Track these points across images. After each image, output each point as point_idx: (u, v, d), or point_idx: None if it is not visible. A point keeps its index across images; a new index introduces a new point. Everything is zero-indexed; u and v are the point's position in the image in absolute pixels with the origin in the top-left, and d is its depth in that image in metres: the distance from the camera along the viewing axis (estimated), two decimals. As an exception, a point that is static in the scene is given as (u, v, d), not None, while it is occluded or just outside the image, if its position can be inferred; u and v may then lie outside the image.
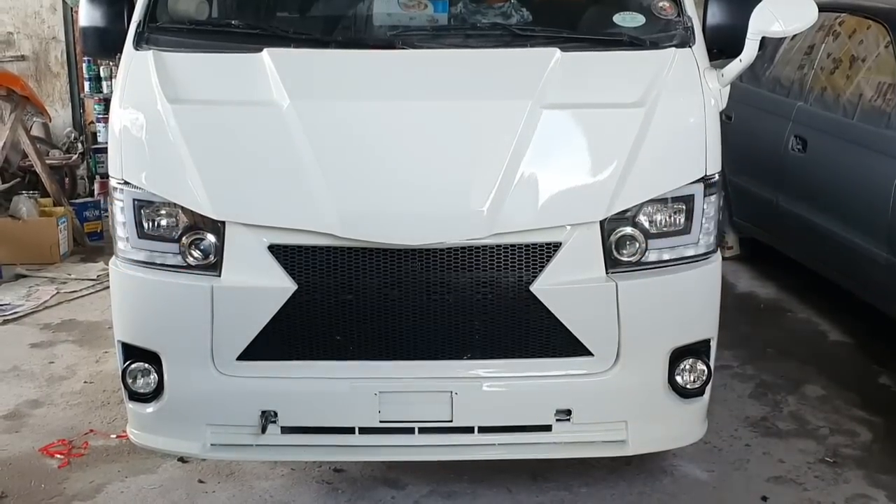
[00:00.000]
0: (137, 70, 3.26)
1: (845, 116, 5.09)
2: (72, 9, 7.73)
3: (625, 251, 3.16)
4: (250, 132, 3.13)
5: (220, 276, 3.10)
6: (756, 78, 6.08)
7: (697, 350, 3.29)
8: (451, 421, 3.18)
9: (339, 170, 3.05)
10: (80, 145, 7.88)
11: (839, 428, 4.22)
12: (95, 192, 7.48)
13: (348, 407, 3.18)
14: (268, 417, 3.17)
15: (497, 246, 3.08)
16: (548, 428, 3.23)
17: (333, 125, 3.11)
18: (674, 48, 3.33)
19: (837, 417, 4.31)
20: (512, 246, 3.08)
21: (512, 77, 3.24)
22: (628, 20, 3.43)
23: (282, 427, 3.20)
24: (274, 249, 3.08)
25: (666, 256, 3.21)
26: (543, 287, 3.09)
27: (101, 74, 7.50)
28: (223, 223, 3.09)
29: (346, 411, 3.18)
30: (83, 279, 6.04)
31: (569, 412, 3.21)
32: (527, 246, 3.09)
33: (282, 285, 3.07)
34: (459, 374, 3.19)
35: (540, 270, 3.09)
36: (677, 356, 3.26)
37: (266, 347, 3.14)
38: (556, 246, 3.10)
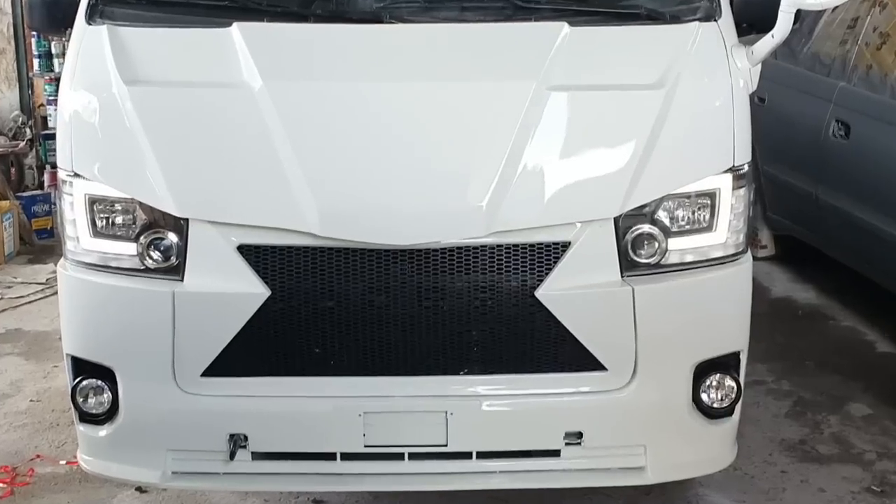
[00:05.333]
0: (90, 47, 3.25)
1: (893, 98, 5.09)
2: (19, -24, 7.72)
3: (642, 252, 3.16)
4: (218, 117, 3.12)
5: (182, 280, 3.10)
6: (792, 55, 6.08)
7: (726, 364, 3.28)
8: (445, 445, 3.18)
9: (318, 160, 3.05)
10: (28, 131, 7.85)
11: (888, 452, 4.21)
12: (45, 184, 7.46)
13: (329, 429, 3.17)
14: (237, 441, 3.16)
15: (497, 246, 3.08)
16: (556, 453, 3.23)
17: (312, 109, 3.10)
18: (697, 22, 3.32)
19: (886, 440, 4.31)
20: (514, 246, 3.08)
21: (514, 55, 3.24)
22: (646, -10, 3.42)
23: (253, 452, 3.20)
24: (244, 250, 3.07)
25: (689, 258, 3.21)
26: (550, 292, 3.09)
27: (53, 51, 7.48)
28: (186, 221, 3.08)
29: (327, 434, 3.18)
30: (30, 283, 6.04)
31: (580, 435, 3.21)
32: (531, 246, 3.09)
33: (253, 291, 3.07)
34: (455, 391, 3.18)
35: (546, 273, 3.09)
36: (703, 371, 3.25)
37: (235, 362, 3.13)
38: (565, 246, 3.10)
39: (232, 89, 3.12)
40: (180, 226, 3.09)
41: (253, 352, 3.13)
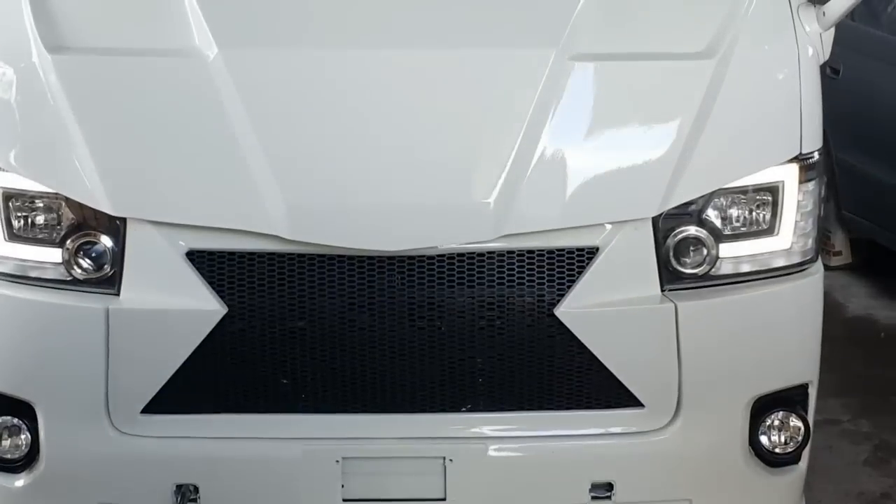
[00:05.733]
0: (3, 5, 3.26)
1: None
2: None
3: (688, 260, 3.17)
4: (163, 93, 3.12)
5: (118, 294, 3.11)
6: (874, 16, 6.10)
7: (790, 399, 3.30)
8: (443, 499, 3.19)
9: (286, 146, 3.05)
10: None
11: None
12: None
13: (299, 479, 3.17)
14: (185, 494, 3.16)
15: (508, 252, 3.09)
16: (581, 510, 3.24)
17: (279, 83, 3.11)
18: (756, -25, 3.34)
19: None
20: (529, 252, 3.10)
21: (530, 15, 3.24)
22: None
23: (205, 508, 3.22)
24: (194, 257, 3.08)
25: (745, 267, 3.22)
26: (573, 310, 3.10)
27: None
28: (123, 221, 3.09)
29: (296, 485, 3.18)
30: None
31: (610, 487, 3.22)
32: (549, 252, 3.10)
33: (205, 307, 3.07)
34: (455, 432, 3.19)
35: (568, 287, 3.10)
36: (762, 408, 3.26)
37: (183, 396, 3.14)
38: (591, 252, 3.11)
39: (180, 59, 3.13)
40: (116, 227, 3.09)
41: (205, 383, 3.14)
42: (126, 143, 3.10)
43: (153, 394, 3.12)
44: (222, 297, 3.07)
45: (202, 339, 3.07)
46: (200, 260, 3.08)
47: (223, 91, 3.06)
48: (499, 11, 3.26)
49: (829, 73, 6.11)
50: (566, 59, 3.13)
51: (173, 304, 3.07)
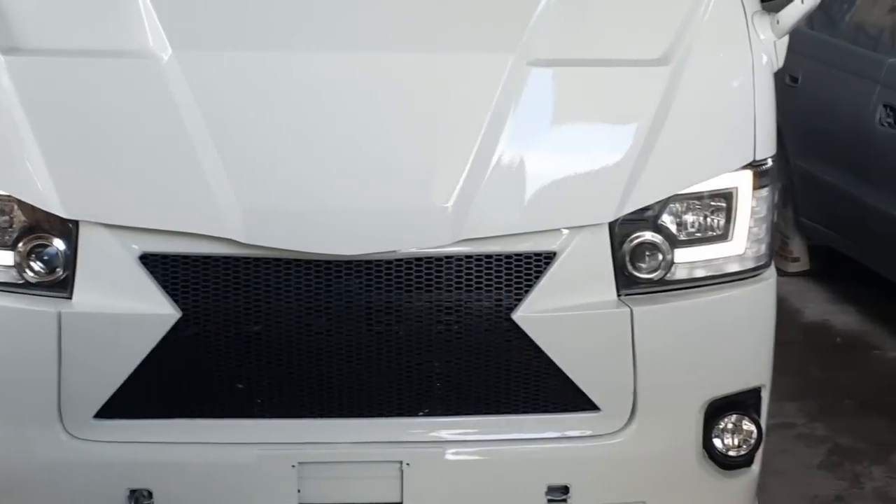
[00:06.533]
0: (-44, 7, 3.25)
1: (953, 78, 5.16)
2: None
3: (643, 265, 3.19)
4: (116, 95, 3.11)
5: (70, 297, 3.08)
6: (832, 24, 6.15)
7: (744, 402, 3.31)
8: (400, 503, 3.18)
9: (242, 148, 3.05)
10: None
11: (944, 511, 4.28)
12: None
13: (254, 484, 3.16)
14: (139, 500, 3.15)
15: (466, 257, 3.09)
16: (536, 513, 3.24)
17: (235, 85, 3.10)
18: (711, -16, 3.36)
19: (942, 497, 4.37)
20: (486, 257, 3.10)
21: (488, 20, 3.25)
22: (649, -56, 3.46)
23: (159, 513, 3.20)
24: (148, 261, 3.06)
25: (700, 272, 3.24)
26: (530, 314, 3.10)
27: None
28: (76, 223, 3.07)
29: (252, 491, 3.16)
30: None
31: (566, 490, 3.22)
32: (507, 257, 3.11)
33: (159, 311, 3.05)
34: (413, 437, 3.19)
35: (526, 291, 3.11)
36: (716, 411, 3.28)
37: (137, 400, 3.12)
38: (549, 257, 3.12)
39: (134, 60, 3.12)
40: (68, 230, 3.07)
41: (159, 388, 3.12)
42: (79, 146, 3.08)
43: (106, 398, 3.10)
44: (176, 301, 3.05)
45: (156, 343, 3.06)
46: (154, 263, 3.06)
47: (177, 93, 3.05)
48: (457, 16, 3.26)
49: (788, 82, 6.16)
50: (524, 64, 3.14)
51: (126, 308, 3.05)
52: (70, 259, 3.07)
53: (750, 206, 3.23)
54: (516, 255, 3.11)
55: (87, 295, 3.07)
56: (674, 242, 3.19)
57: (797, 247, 6.56)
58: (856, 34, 5.97)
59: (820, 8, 3.27)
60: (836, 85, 5.97)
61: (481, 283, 3.10)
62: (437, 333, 3.11)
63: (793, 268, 6.51)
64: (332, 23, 3.23)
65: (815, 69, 6.12)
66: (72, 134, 3.09)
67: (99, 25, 3.21)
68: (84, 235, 3.06)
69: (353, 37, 3.20)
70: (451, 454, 3.19)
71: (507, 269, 3.11)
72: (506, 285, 3.10)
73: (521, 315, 3.10)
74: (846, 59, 5.95)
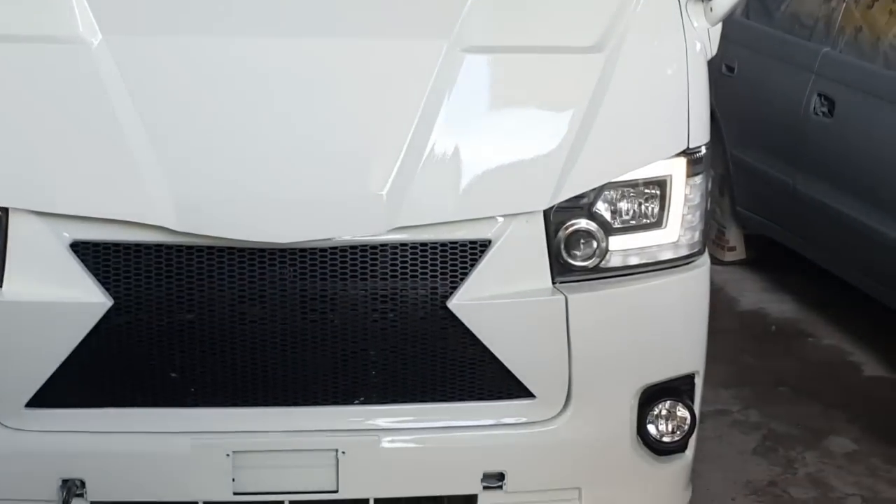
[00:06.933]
0: None
1: (887, 68, 5.22)
2: None
3: (578, 253, 3.20)
4: (45, 81, 3.08)
5: (0, 286, 3.05)
6: (767, 14, 6.21)
7: (677, 389, 3.34)
8: (336, 492, 3.19)
9: (174, 135, 3.03)
10: None
11: (875, 496, 4.33)
12: None
13: (189, 473, 3.15)
14: (71, 489, 3.13)
15: (401, 245, 3.10)
16: (472, 499, 3.26)
17: (166, 71, 3.09)
18: (645, -30, 3.38)
19: (873, 482, 4.43)
20: (421, 245, 3.11)
21: (422, 6, 3.26)
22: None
23: (92, 503, 3.17)
24: (79, 248, 3.04)
25: (634, 260, 3.26)
26: (465, 302, 3.11)
27: None
28: (5, 211, 3.05)
29: (186, 480, 3.16)
30: None
31: (501, 477, 3.24)
32: (442, 245, 3.11)
33: (90, 300, 3.04)
34: (348, 425, 3.20)
35: (461, 279, 3.12)
36: (650, 398, 3.31)
37: (68, 389, 3.10)
38: (483, 245, 3.13)
39: (63, 45, 3.09)
40: (-3, 217, 3.06)
41: (91, 377, 3.10)
42: (7, 132, 3.05)
43: (38, 387, 3.08)
44: (108, 290, 3.04)
45: (87, 331, 3.04)
46: (85, 251, 3.04)
47: (107, 79, 3.03)
48: (391, 2, 3.27)
49: (725, 71, 6.22)
50: (458, 51, 3.14)
51: (57, 297, 3.03)
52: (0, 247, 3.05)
53: (683, 194, 3.26)
54: (451, 242, 3.11)
55: (17, 283, 3.05)
56: (608, 230, 3.20)
57: (733, 236, 6.60)
58: (791, 23, 6.02)
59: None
60: (772, 74, 6.02)
61: (416, 271, 3.10)
62: (372, 322, 3.11)
63: (729, 257, 6.56)
64: (266, 8, 3.21)
65: (751, 59, 6.17)
66: (0, 120, 3.06)
67: (27, 10, 3.17)
68: (14, 223, 3.04)
69: (287, 23, 3.19)
70: (386, 442, 3.19)
71: (442, 256, 3.11)
72: (441, 273, 3.11)
73: (456, 303, 3.10)
74: (781, 48, 6.01)
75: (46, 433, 3.13)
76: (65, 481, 3.13)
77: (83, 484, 3.14)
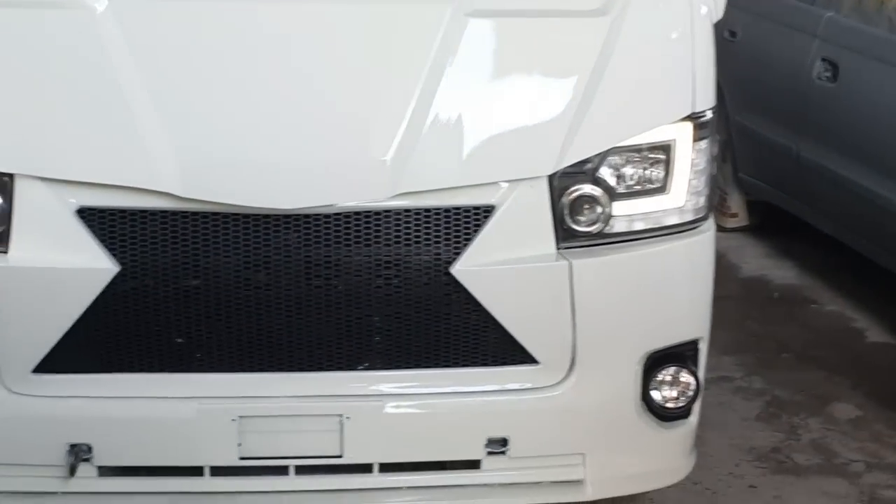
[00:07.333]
0: None
1: (892, 32, 5.21)
2: None
3: (582, 218, 3.21)
4: (50, 47, 3.09)
5: (7, 252, 3.07)
6: (771, -22, 6.17)
7: (681, 355, 3.36)
8: (340, 456, 3.21)
9: (178, 101, 3.05)
10: None
11: (879, 462, 4.35)
12: None
13: (195, 438, 3.18)
14: (78, 454, 3.15)
15: (405, 211, 3.11)
16: (475, 464, 3.28)
17: (170, 36, 3.10)
18: (649, -67, 3.38)
19: (876, 448, 4.45)
20: (425, 211, 3.12)
21: (426, -29, 3.26)
22: None
23: (99, 467, 3.19)
24: (85, 215, 3.06)
25: (638, 225, 3.27)
26: (469, 268, 3.13)
27: None
28: (11, 177, 3.06)
29: (192, 444, 3.18)
30: None
31: (505, 442, 3.26)
32: (446, 210, 3.12)
33: (97, 266, 3.05)
34: (352, 390, 3.21)
35: (464, 245, 3.13)
36: (654, 364, 3.33)
37: (75, 355, 3.12)
38: (487, 211, 3.14)
39: (67, 11, 3.10)
40: (3, 183, 3.06)
41: (98, 342, 3.12)
42: (14, 98, 3.07)
43: (45, 353, 3.10)
44: (114, 256, 3.05)
45: (94, 297, 3.05)
46: (91, 217, 3.05)
47: (113, 44, 3.04)
48: None
49: (727, 36, 6.20)
50: (462, 15, 3.15)
51: (64, 263, 3.04)
52: (6, 213, 3.06)
53: (689, 159, 3.26)
54: (455, 208, 3.12)
55: (24, 250, 3.06)
56: (613, 195, 3.21)
57: (735, 202, 6.60)
58: (794, -12, 6.02)
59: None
60: (775, 39, 6.01)
61: (420, 236, 3.11)
62: (376, 288, 3.12)
63: (731, 223, 6.56)
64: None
65: (753, 23, 6.16)
66: (6, 86, 3.07)
67: None
68: (20, 189, 3.05)
69: None
70: (390, 407, 3.21)
71: (445, 222, 3.12)
72: (444, 239, 3.12)
73: (459, 269, 3.12)
74: (784, 13, 6.00)
75: (54, 398, 3.15)
76: (72, 446, 3.15)
77: (90, 448, 3.16)
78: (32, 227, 3.06)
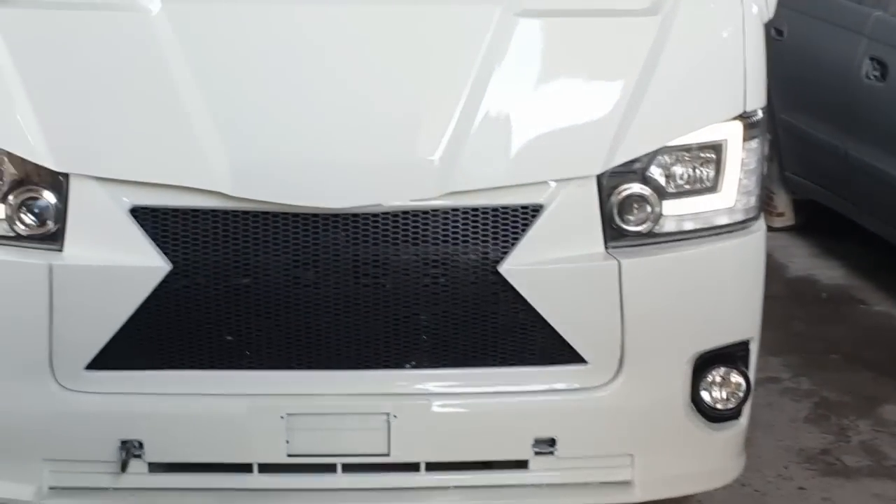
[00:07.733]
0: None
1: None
2: None
3: (631, 217, 3.22)
4: (105, 48, 3.13)
5: (61, 250, 3.11)
6: (818, -24, 6.15)
7: (732, 356, 3.36)
8: (387, 455, 3.23)
9: (230, 102, 3.08)
10: None
11: (929, 464, 4.34)
12: None
13: (244, 436, 3.21)
14: (130, 450, 3.19)
15: (452, 210, 3.12)
16: (523, 464, 3.29)
17: (224, 38, 3.13)
18: (701, -68, 3.38)
19: (927, 449, 4.44)
20: (473, 210, 3.13)
21: (476, -29, 3.27)
22: None
23: (149, 463, 3.23)
24: (138, 214, 3.09)
25: (688, 225, 3.27)
26: (517, 267, 3.14)
27: None
28: (66, 176, 3.09)
29: (241, 442, 3.21)
30: None
31: (552, 442, 3.27)
32: (494, 210, 3.13)
33: (150, 264, 3.08)
34: (399, 389, 3.23)
35: (512, 244, 3.14)
36: (704, 364, 3.32)
37: (127, 352, 3.15)
38: (536, 210, 3.15)
39: (123, 13, 3.13)
40: (59, 183, 3.09)
41: (149, 339, 3.15)
42: (69, 98, 3.10)
43: (97, 350, 3.14)
44: (166, 254, 3.08)
45: (146, 295, 3.09)
46: (144, 216, 3.08)
47: (166, 45, 3.07)
48: None
49: (774, 35, 6.18)
50: (512, 15, 3.16)
51: (117, 261, 3.08)
52: (61, 212, 3.10)
53: (740, 158, 3.26)
54: (503, 207, 3.13)
55: (79, 248, 3.10)
56: (662, 195, 3.22)
57: (782, 201, 6.59)
58: (842, -13, 6.00)
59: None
60: (822, 38, 5.99)
61: (468, 236, 3.13)
62: (423, 286, 3.14)
63: (777, 222, 6.54)
64: (321, -25, 3.24)
65: (800, 22, 6.14)
66: (62, 87, 3.11)
67: None
68: (75, 188, 3.09)
69: None
70: (437, 406, 3.23)
71: (493, 221, 3.13)
72: (492, 238, 3.13)
73: (507, 268, 3.13)
74: (832, 11, 5.98)
75: (106, 395, 3.18)
76: (124, 442, 3.18)
77: (141, 445, 3.20)
78: (87, 225, 3.10)
